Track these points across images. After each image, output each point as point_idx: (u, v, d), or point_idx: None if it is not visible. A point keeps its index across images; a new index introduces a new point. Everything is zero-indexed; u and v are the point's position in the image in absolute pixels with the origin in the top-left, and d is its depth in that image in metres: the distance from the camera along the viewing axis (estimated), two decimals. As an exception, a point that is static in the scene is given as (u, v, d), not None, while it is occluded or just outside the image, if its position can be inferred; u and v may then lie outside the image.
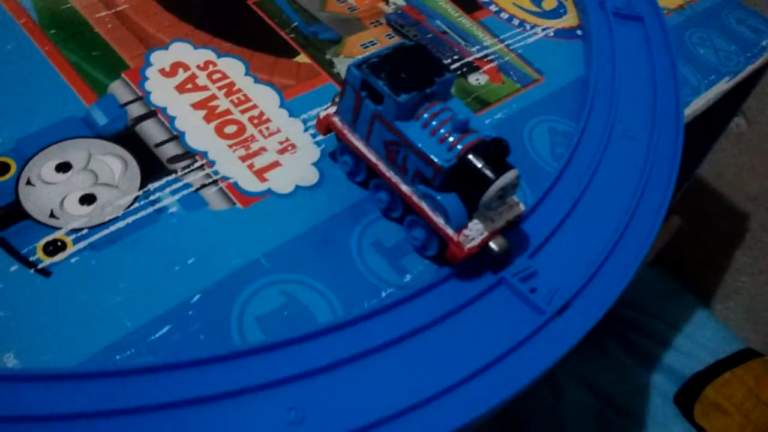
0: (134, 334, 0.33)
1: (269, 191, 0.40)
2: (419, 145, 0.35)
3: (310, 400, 0.31)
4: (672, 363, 0.96)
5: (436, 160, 0.35)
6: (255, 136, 0.42)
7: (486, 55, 0.52)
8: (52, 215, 0.36)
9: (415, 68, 0.36)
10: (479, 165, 0.35)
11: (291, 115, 0.44)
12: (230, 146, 0.41)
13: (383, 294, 0.37)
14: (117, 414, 0.29)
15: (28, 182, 0.37)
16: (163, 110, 0.42)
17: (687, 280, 1.06)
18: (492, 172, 0.35)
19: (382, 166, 0.38)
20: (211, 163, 0.40)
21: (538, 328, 0.37)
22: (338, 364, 0.33)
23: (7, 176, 0.37)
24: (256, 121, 0.43)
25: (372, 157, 0.38)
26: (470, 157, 0.35)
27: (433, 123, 0.36)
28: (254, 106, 0.44)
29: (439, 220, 0.37)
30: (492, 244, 0.37)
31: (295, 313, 0.35)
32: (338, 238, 0.39)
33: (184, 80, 0.44)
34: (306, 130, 0.43)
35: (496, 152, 0.35)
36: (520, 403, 0.82)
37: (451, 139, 0.36)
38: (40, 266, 0.34)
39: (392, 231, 0.40)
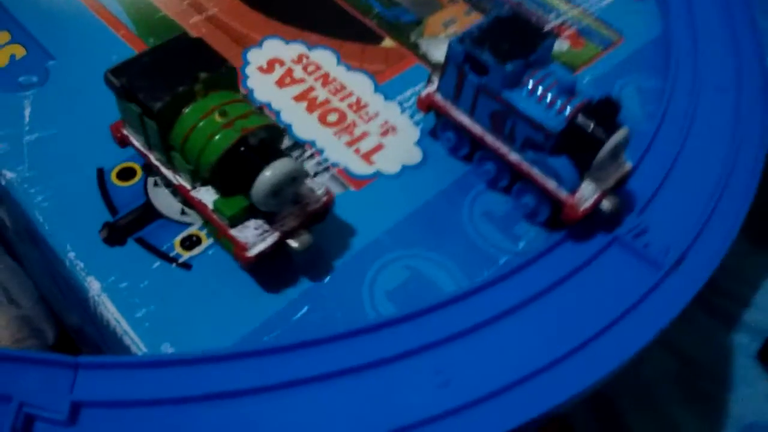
0: (276, 317, 0.35)
1: (377, 173, 0.41)
2: (528, 112, 0.36)
3: (452, 364, 0.33)
4: (754, 321, 0.94)
5: (546, 125, 0.36)
6: (356, 121, 0.44)
7: (564, 22, 0.52)
8: (183, 212, 0.38)
9: (515, 36, 0.37)
10: (590, 126, 0.36)
11: (386, 98, 0.45)
12: (335, 134, 0.43)
13: (501, 261, 0.38)
14: (280, 387, 0.31)
15: (156, 184, 0.39)
16: (268, 105, 0.44)
17: (764, 237, 1.04)
18: (603, 132, 0.36)
19: (489, 138, 0.39)
20: (320, 152, 0.42)
21: (655, 285, 0.37)
22: (472, 329, 0.34)
23: (135, 180, 0.40)
24: (354, 108, 0.44)
25: (477, 130, 0.39)
26: (580, 119, 0.36)
27: (539, 88, 0.37)
28: (350, 93, 0.45)
29: (551, 185, 0.37)
30: (604, 204, 0.38)
31: (421, 286, 0.37)
32: (450, 212, 0.40)
33: (282, 75, 0.45)
34: (403, 111, 0.45)
35: (605, 112, 0.36)
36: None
37: (558, 103, 0.36)
38: (180, 260, 0.37)
39: (500, 200, 0.41)
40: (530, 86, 0.37)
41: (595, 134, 0.36)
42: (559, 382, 0.33)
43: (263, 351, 0.32)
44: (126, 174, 0.40)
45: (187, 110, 0.33)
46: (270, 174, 0.32)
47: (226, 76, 0.35)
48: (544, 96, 0.37)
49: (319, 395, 0.31)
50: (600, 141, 0.36)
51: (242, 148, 0.32)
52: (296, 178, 0.33)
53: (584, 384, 0.33)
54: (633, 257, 0.38)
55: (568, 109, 0.36)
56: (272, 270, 0.36)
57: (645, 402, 0.72)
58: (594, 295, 0.37)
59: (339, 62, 0.47)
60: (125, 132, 0.37)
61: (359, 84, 0.46)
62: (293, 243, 0.34)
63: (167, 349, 0.33)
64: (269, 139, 0.33)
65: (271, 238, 0.34)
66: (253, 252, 0.33)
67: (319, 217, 0.36)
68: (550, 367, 0.34)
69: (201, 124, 0.33)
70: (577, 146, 0.36)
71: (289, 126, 0.43)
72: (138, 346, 0.34)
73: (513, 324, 0.35)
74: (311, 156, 0.42)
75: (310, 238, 0.35)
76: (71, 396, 0.30)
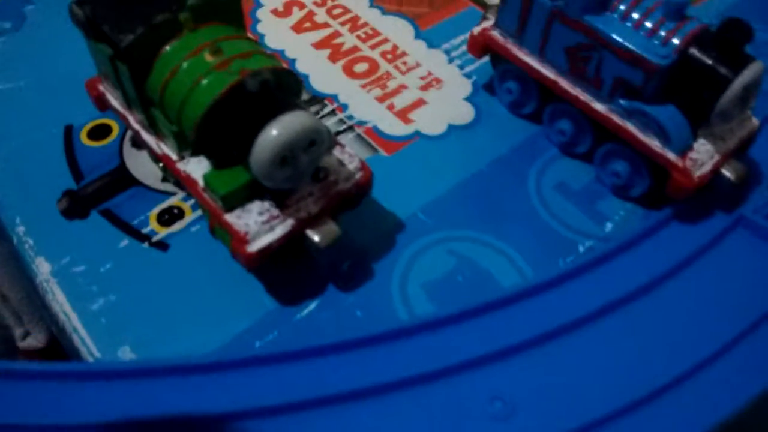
0: (275, 314, 0.26)
1: (417, 134, 0.32)
2: (622, 41, 0.26)
3: (514, 388, 0.23)
4: None
5: (649, 57, 0.26)
6: (391, 72, 0.35)
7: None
8: (165, 179, 0.30)
9: (603, -56, 0.28)
10: (709, 60, 0.26)
11: (430, 46, 0.36)
12: (363, 86, 0.34)
13: (581, 248, 0.29)
14: (272, 412, 0.22)
15: (134, 144, 0.31)
16: (281, 53, 0.35)
17: None
18: (729, 67, 0.26)
19: (565, 83, 0.29)
20: (344, 107, 0.33)
21: (799, 279, 0.27)
22: (542, 339, 0.25)
23: (109, 139, 0.31)
24: (389, 57, 0.35)
25: (549, 74, 0.30)
26: (694, 50, 0.26)
27: (635, 13, 0.27)
28: (385, 40, 0.36)
29: (654, 143, 0.27)
30: (726, 171, 0.28)
31: (471, 278, 0.27)
32: (510, 184, 0.31)
33: (300, 19, 0.37)
34: (450, 61, 0.35)
35: (729, 41, 0.26)
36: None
37: (663, 31, 0.26)
38: (155, 239, 0.28)
39: (578, 170, 0.31)
40: (624, 8, 0.27)
41: (717, 70, 0.26)
42: (670, 420, 0.23)
43: (251, 361, 0.24)
44: (99, 132, 0.32)
45: (168, 48, 0.25)
46: (277, 133, 0.22)
47: (225, 4, 0.26)
48: (642, 22, 0.27)
49: (323, 424, 0.22)
50: (724, 79, 0.26)
51: (240, 97, 0.23)
52: (316, 141, 0.23)
53: (708, 420, 0.23)
54: (765, 243, 0.28)
55: (677, 38, 0.26)
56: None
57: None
58: (713, 295, 0.27)
59: (371, 4, 0.38)
60: (102, 89, 0.28)
61: (396, 29, 0.37)
62: (314, 236, 0.25)
63: (126, 355, 0.25)
64: (278, 87, 0.24)
65: (282, 228, 0.25)
66: (255, 246, 0.24)
67: (350, 202, 0.27)
68: (654, 397, 0.24)
69: (185, 65, 0.24)
70: (691, 89, 0.27)
71: (306, 77, 0.34)
72: (89, 348, 0.25)
73: (600, 333, 0.26)
74: (332, 112, 0.33)
75: (337, 229, 0.25)
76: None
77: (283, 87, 0.24)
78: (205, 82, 0.23)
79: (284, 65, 0.25)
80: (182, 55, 0.24)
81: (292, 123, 0.22)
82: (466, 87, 0.34)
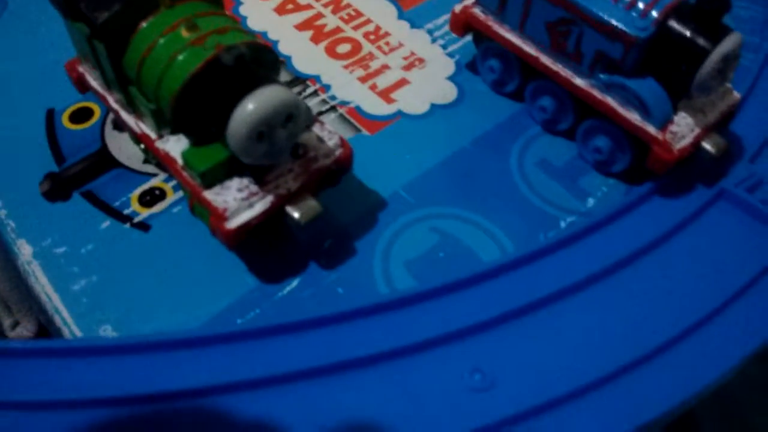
0: (256, 293, 0.26)
1: (400, 113, 0.32)
2: (601, 14, 0.26)
3: (494, 360, 0.23)
4: None
5: (627, 30, 0.26)
6: (374, 53, 0.34)
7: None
8: (146, 161, 0.30)
9: None
10: (687, 32, 0.26)
11: (413, 26, 0.36)
12: (346, 67, 0.34)
13: (563, 224, 0.29)
14: (252, 386, 0.22)
15: (116, 126, 0.31)
16: (264, 34, 0.35)
17: None
18: (707, 38, 0.26)
19: (546, 59, 0.29)
20: (326, 88, 0.33)
21: (780, 252, 0.27)
22: (522, 312, 0.25)
23: (91, 122, 0.31)
24: (372, 37, 0.35)
25: (530, 50, 0.30)
26: (673, 22, 0.26)
27: (615, -13, 0.27)
28: (368, 21, 0.36)
29: (634, 117, 0.27)
30: (707, 144, 0.28)
31: (454, 255, 0.27)
32: (493, 161, 0.31)
33: (283, 1, 0.37)
34: (434, 41, 0.35)
35: (707, 12, 0.26)
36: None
37: (641, 4, 0.26)
38: (136, 220, 0.28)
39: (561, 147, 0.31)
40: (603, -19, 0.27)
41: (695, 42, 0.26)
42: (647, 390, 0.23)
43: (232, 336, 0.24)
44: (81, 115, 0.32)
45: (144, 24, 0.25)
46: (253, 107, 0.22)
47: None
48: (621, -5, 0.27)
49: (304, 396, 0.22)
50: (702, 51, 0.26)
51: (216, 72, 0.23)
52: (293, 115, 0.23)
53: (684, 393, 0.23)
54: (747, 216, 0.28)
55: (656, 10, 0.26)
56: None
57: (724, 410, 0.61)
58: (694, 267, 0.27)
59: (355, -14, 0.38)
60: (81, 70, 0.28)
61: (379, 10, 0.37)
62: (294, 212, 0.25)
63: (107, 333, 0.25)
64: (255, 62, 0.24)
65: (261, 205, 0.25)
66: (234, 222, 0.24)
67: (331, 178, 0.27)
68: (633, 367, 0.24)
69: (162, 41, 0.24)
70: (670, 62, 0.26)
71: (288, 58, 0.34)
72: (71, 328, 0.25)
73: (580, 306, 0.26)
74: (315, 93, 0.33)
75: (318, 206, 0.25)
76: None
77: (260, 62, 0.24)
78: (181, 57, 0.23)
79: (260, 41, 0.25)
80: (159, 31, 0.24)
81: (268, 97, 0.22)
82: (449, 66, 0.34)
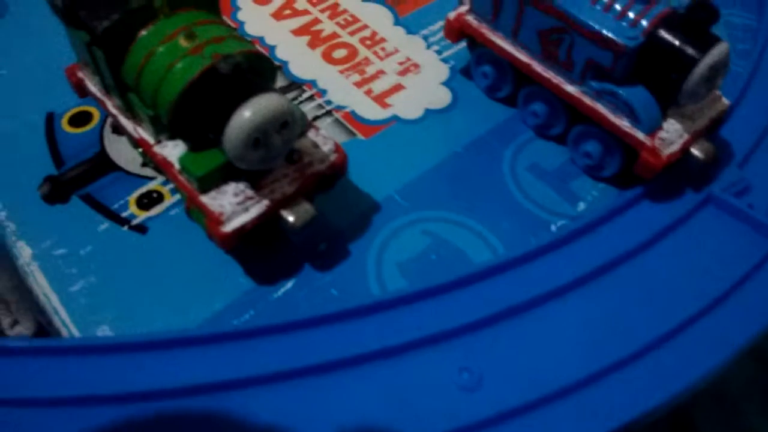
0: (252, 294, 0.27)
1: (395, 118, 0.33)
2: (592, 23, 0.27)
3: (483, 359, 0.24)
4: None
5: (617, 39, 0.26)
6: (369, 58, 0.35)
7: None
8: (144, 164, 0.30)
9: (574, -72, 0.28)
10: (676, 41, 0.26)
11: (409, 32, 0.37)
12: (342, 72, 0.34)
13: (553, 228, 0.29)
14: (246, 384, 0.22)
15: (115, 130, 0.31)
16: (261, 40, 0.36)
17: None
18: (695, 48, 0.26)
19: (538, 66, 0.30)
20: (322, 93, 0.33)
21: (766, 256, 0.28)
22: (510, 313, 0.25)
23: (90, 126, 0.32)
24: (368, 43, 0.36)
25: (522, 57, 0.30)
26: (662, 32, 0.27)
27: (605, -4, 0.27)
28: (364, 26, 0.36)
29: (624, 123, 0.28)
30: (695, 150, 0.28)
31: (446, 257, 0.28)
32: (485, 166, 0.31)
33: (280, 6, 0.37)
34: (429, 47, 0.36)
35: (696, 22, 0.26)
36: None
37: (631, 13, 0.27)
38: (134, 222, 0.28)
39: (552, 152, 0.32)
40: (593, -9, 0.28)
41: (684, 51, 0.26)
42: (631, 389, 0.24)
43: (227, 335, 0.24)
44: (80, 119, 0.32)
45: (144, 33, 0.25)
46: (249, 114, 0.23)
47: None
48: (611, 5, 0.27)
49: (296, 395, 0.22)
50: (691, 60, 0.26)
51: (213, 80, 0.24)
52: (288, 122, 0.24)
53: (665, 394, 0.24)
54: (734, 221, 0.29)
55: (646, 19, 0.27)
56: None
57: (723, 413, 0.61)
58: (681, 271, 0.27)
59: (351, -8, 0.38)
60: (81, 75, 0.29)
61: (375, 16, 0.37)
62: (289, 216, 0.25)
63: (105, 334, 0.25)
64: (251, 71, 0.25)
65: (257, 209, 0.25)
66: (230, 226, 0.25)
67: (325, 183, 0.27)
68: (618, 367, 0.24)
69: (160, 49, 0.24)
70: (659, 70, 0.27)
71: (285, 63, 0.35)
72: (68, 328, 0.26)
73: (567, 307, 0.26)
74: (311, 98, 0.33)
75: (312, 210, 0.26)
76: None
77: (257, 71, 0.25)
78: (179, 66, 0.24)
79: (258, 49, 0.25)
80: (157, 40, 0.25)
81: (264, 105, 0.23)
82: (443, 72, 0.35)
